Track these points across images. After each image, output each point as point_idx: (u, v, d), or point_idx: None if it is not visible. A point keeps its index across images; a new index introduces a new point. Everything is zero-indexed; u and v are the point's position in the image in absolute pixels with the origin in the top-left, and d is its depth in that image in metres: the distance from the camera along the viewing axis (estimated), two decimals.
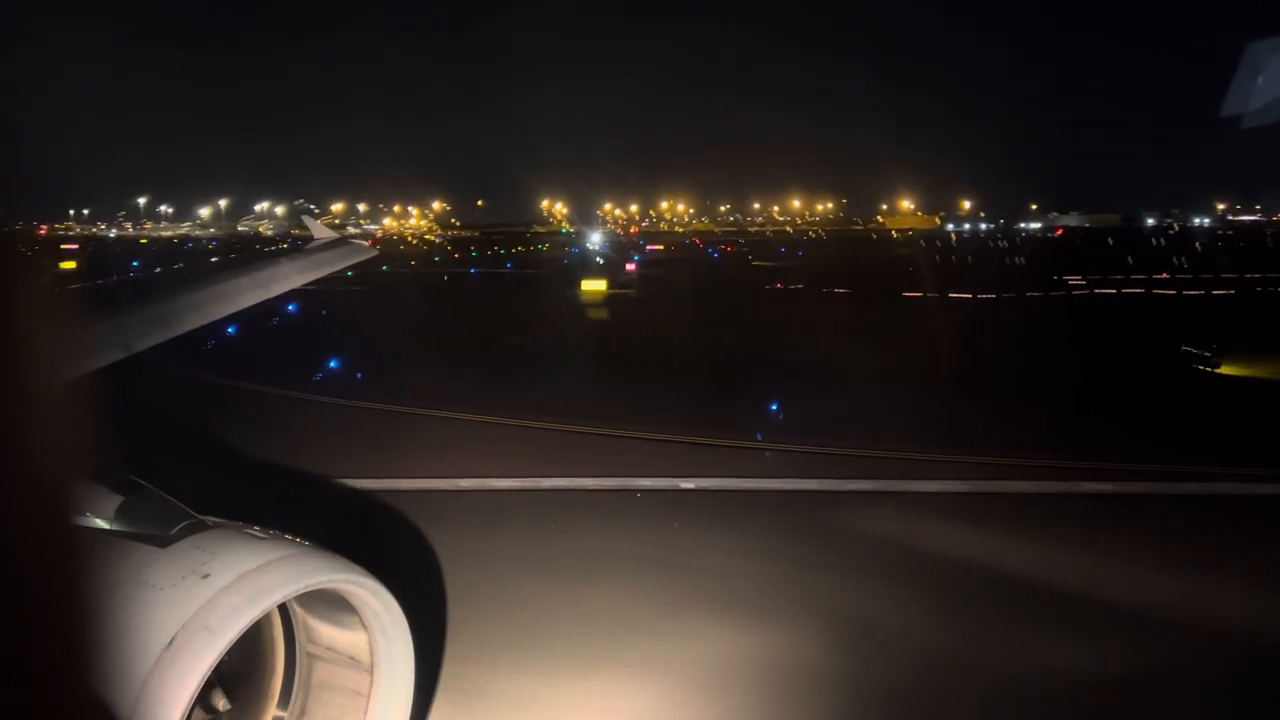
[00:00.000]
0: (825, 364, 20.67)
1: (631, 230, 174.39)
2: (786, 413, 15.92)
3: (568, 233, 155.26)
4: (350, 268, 10.16)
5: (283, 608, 3.53)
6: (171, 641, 2.74)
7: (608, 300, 38.21)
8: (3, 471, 1.32)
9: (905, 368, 19.87)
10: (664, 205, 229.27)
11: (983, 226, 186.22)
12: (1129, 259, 58.92)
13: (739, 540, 9.18)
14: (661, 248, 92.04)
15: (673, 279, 49.22)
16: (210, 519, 3.33)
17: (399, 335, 27.17)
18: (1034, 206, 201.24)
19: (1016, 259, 67.90)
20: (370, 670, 3.51)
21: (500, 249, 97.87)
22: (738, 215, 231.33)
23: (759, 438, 13.88)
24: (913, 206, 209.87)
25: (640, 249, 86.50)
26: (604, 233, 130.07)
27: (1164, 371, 19.61)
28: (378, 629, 3.44)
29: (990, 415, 15.07)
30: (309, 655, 3.68)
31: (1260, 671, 6.67)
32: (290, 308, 31.24)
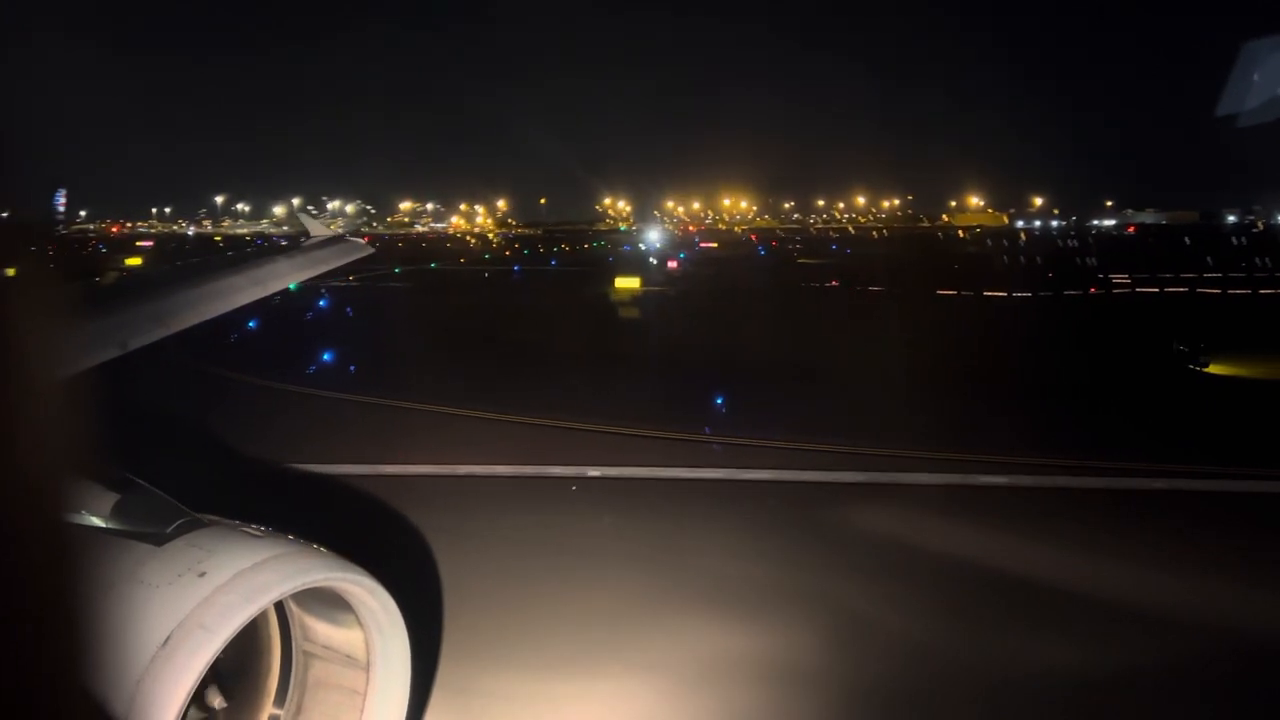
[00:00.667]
0: (804, 359, 20.90)
1: (690, 228, 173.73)
2: (724, 406, 16.27)
3: (626, 231, 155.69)
4: (347, 266, 10.15)
5: (279, 606, 3.53)
6: (167, 639, 2.74)
7: (634, 297, 38.76)
8: None
9: (891, 363, 20.03)
10: (726, 203, 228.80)
11: (1054, 224, 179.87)
12: (1207, 258, 56.21)
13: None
14: (716, 245, 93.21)
15: (709, 276, 50.18)
16: (206, 517, 3.33)
17: (398, 331, 27.95)
18: (1109, 203, 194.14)
19: (1083, 258, 65.51)
20: (367, 668, 3.51)
21: (555, 247, 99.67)
22: (799, 214, 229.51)
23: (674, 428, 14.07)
24: (982, 203, 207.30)
25: (693, 246, 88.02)
26: (662, 230, 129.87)
27: (1149, 370, 19.60)
28: (374, 627, 3.44)
29: (953, 411, 15.12)
30: (305, 653, 3.68)
31: (1222, 666, 6.70)
32: (322, 303, 34.31)
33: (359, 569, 3.29)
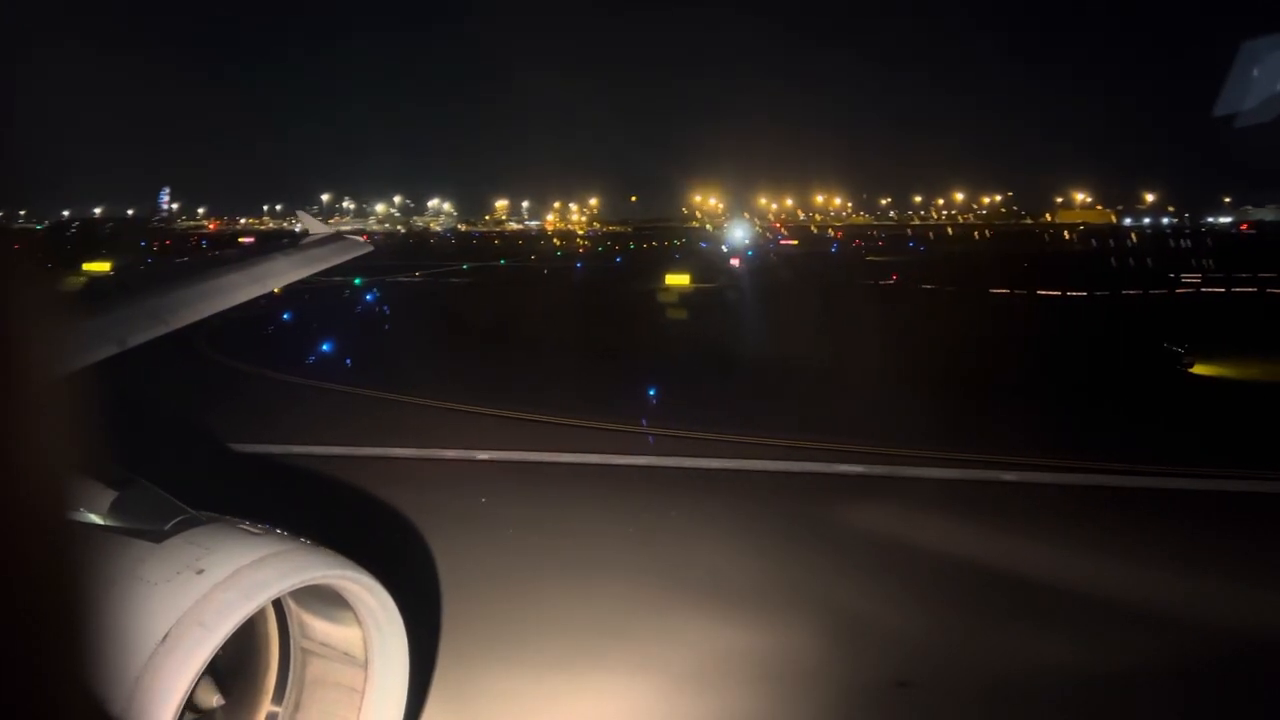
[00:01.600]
0: (803, 356, 20.83)
1: (776, 225, 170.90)
2: (666, 400, 16.47)
3: (711, 228, 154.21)
4: (345, 264, 10.13)
5: (277, 603, 3.54)
6: (166, 637, 2.74)
7: (677, 292, 39.16)
8: None
9: (900, 362, 19.88)
10: (819, 199, 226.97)
11: (1165, 221, 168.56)
12: None
13: None
14: (796, 242, 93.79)
15: (763, 273, 51.04)
16: (204, 514, 3.33)
17: (419, 327, 28.96)
18: (1226, 199, 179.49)
19: (1197, 258, 61.25)
20: (365, 666, 3.51)
21: (641, 244, 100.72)
22: (896, 211, 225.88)
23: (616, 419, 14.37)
24: (1091, 199, 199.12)
25: (772, 244, 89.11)
26: (747, 228, 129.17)
27: (1132, 369, 19.58)
28: (373, 625, 3.45)
29: (920, 410, 14.92)
30: (304, 651, 3.68)
31: (1184, 662, 6.69)
32: (369, 297, 37.22)
33: (358, 567, 3.30)
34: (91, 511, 3.47)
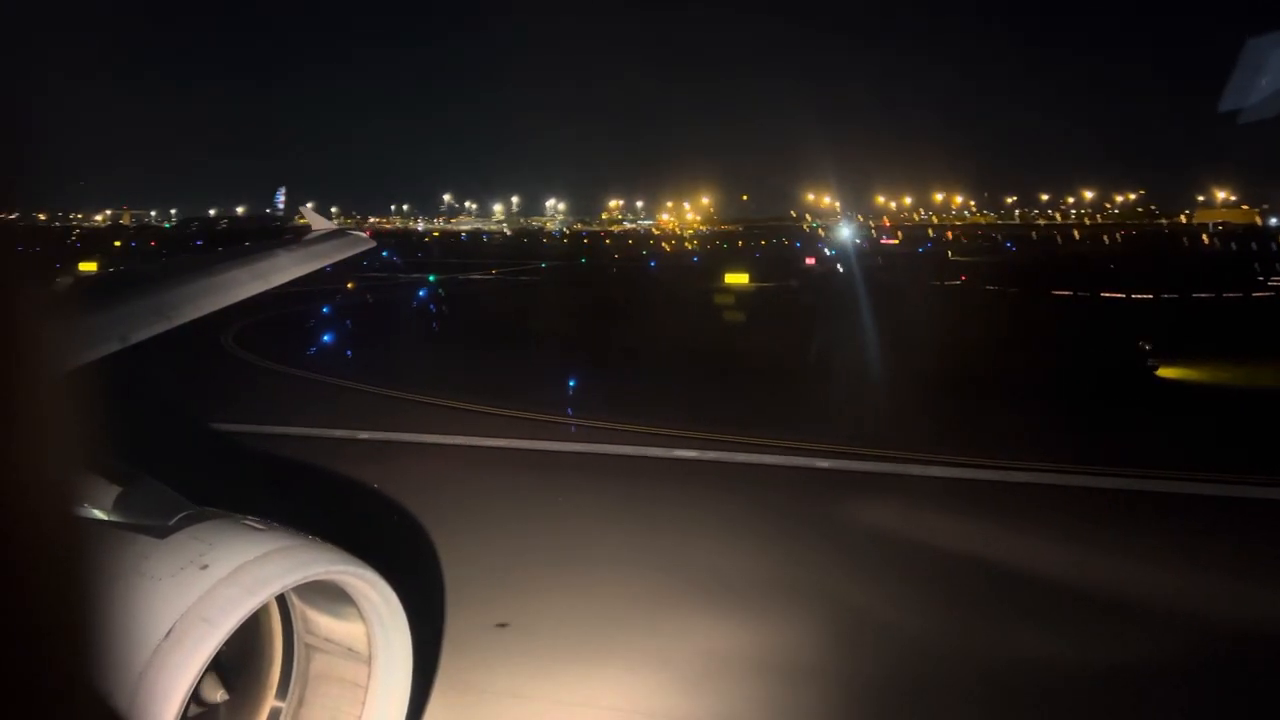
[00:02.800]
0: (760, 352, 21.15)
1: (885, 223, 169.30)
2: (571, 386, 17.40)
3: (815, 226, 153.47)
4: (348, 259, 10.12)
5: (281, 598, 3.54)
6: (169, 632, 2.75)
7: (730, 290, 39.94)
8: (1, 463, 1.32)
9: (904, 361, 20.03)
10: (937, 198, 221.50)
11: None
12: None
13: None
14: (897, 241, 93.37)
15: (832, 273, 51.59)
16: (209, 509, 3.34)
17: (455, 323, 30.43)
18: None
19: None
20: (368, 661, 3.52)
21: (723, 244, 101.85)
22: (1021, 210, 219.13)
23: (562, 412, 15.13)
24: (1235, 197, 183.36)
25: (872, 242, 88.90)
26: (854, 226, 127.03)
27: (1103, 371, 19.59)
28: (376, 620, 3.45)
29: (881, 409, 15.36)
30: (307, 646, 3.69)
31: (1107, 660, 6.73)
32: (422, 293, 40.15)
33: (361, 562, 3.30)
34: (96, 507, 3.47)
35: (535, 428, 13.70)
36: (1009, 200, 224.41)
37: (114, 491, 3.48)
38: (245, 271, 7.36)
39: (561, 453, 12.65)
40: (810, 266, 56.35)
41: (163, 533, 3.10)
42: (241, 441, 12.98)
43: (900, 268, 56.39)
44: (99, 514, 3.46)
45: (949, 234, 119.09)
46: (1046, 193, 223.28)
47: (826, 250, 73.33)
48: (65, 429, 1.49)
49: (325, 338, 24.93)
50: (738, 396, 16.67)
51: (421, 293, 40.79)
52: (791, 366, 19.95)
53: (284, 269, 8.10)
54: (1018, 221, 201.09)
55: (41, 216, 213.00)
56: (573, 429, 13.95)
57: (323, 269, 9.27)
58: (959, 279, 45.74)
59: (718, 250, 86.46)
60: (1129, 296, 36.12)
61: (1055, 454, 11.90)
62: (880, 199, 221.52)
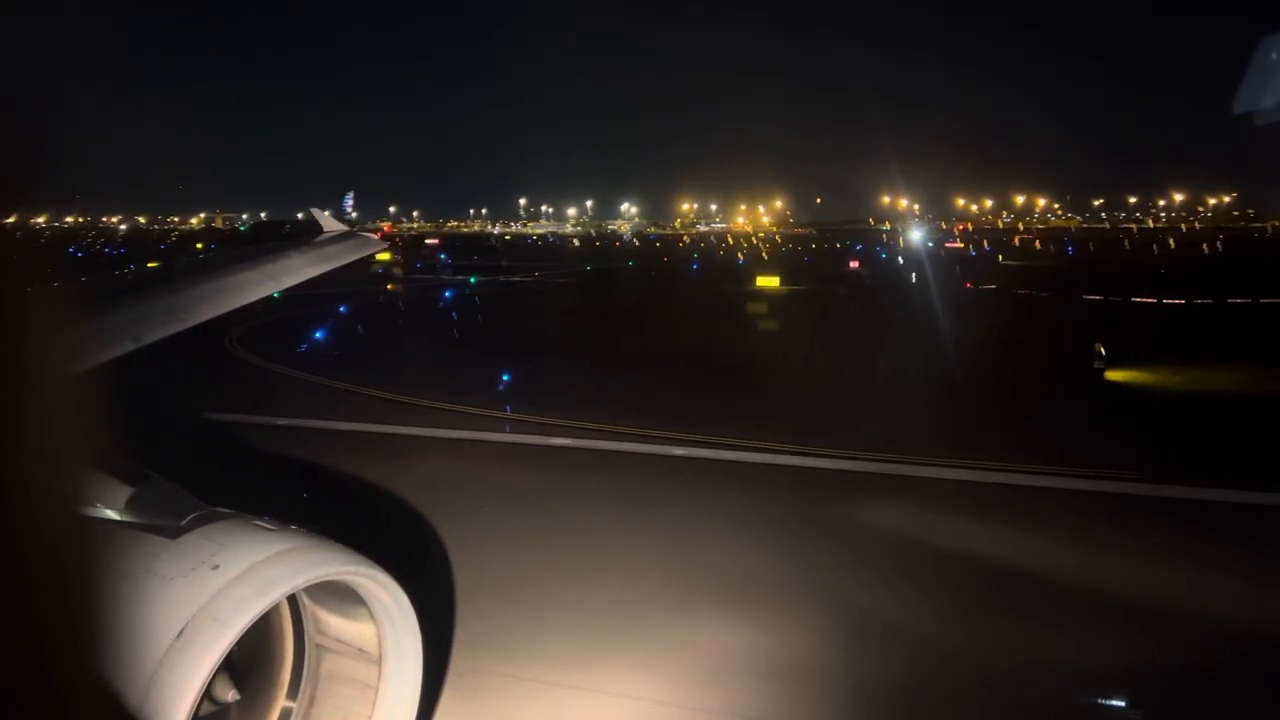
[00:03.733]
0: (769, 361, 21.24)
1: (961, 226, 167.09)
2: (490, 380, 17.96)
3: (886, 230, 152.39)
4: (358, 261, 10.13)
5: (292, 599, 3.54)
6: (181, 632, 2.75)
7: (758, 293, 40.56)
8: (15, 463, 1.32)
9: (897, 364, 20.53)
10: (1018, 200, 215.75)
11: None
12: None
13: None
14: (960, 246, 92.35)
15: (866, 276, 52.19)
16: (220, 510, 3.34)
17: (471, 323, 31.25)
18: None
19: None
20: (379, 662, 3.52)
21: (785, 247, 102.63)
22: (1109, 212, 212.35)
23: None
24: None
25: (938, 246, 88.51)
26: (925, 230, 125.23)
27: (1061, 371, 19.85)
28: (386, 621, 3.45)
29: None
30: (318, 646, 3.69)
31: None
32: (448, 294, 41.72)
33: (371, 563, 3.30)
34: (108, 507, 3.49)
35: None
36: (1096, 203, 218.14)
37: (126, 492, 3.50)
38: (257, 273, 7.38)
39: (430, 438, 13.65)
40: (851, 270, 57.14)
41: (174, 533, 3.11)
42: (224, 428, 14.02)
43: (943, 272, 55.75)
44: (111, 514, 3.47)
45: (1016, 238, 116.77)
46: (1136, 195, 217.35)
47: (881, 253, 74.31)
48: (78, 429, 1.50)
49: (318, 334, 25.72)
50: (641, 386, 17.70)
51: (447, 294, 42.24)
52: (733, 364, 20.72)
53: (296, 270, 8.11)
54: (1103, 225, 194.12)
55: (142, 220, 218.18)
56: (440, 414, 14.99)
57: (338, 268, 9.27)
58: (993, 285, 45.34)
59: (779, 253, 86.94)
60: (1160, 302, 35.81)
61: (931, 446, 12.46)
62: (961, 202, 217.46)
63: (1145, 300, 36.40)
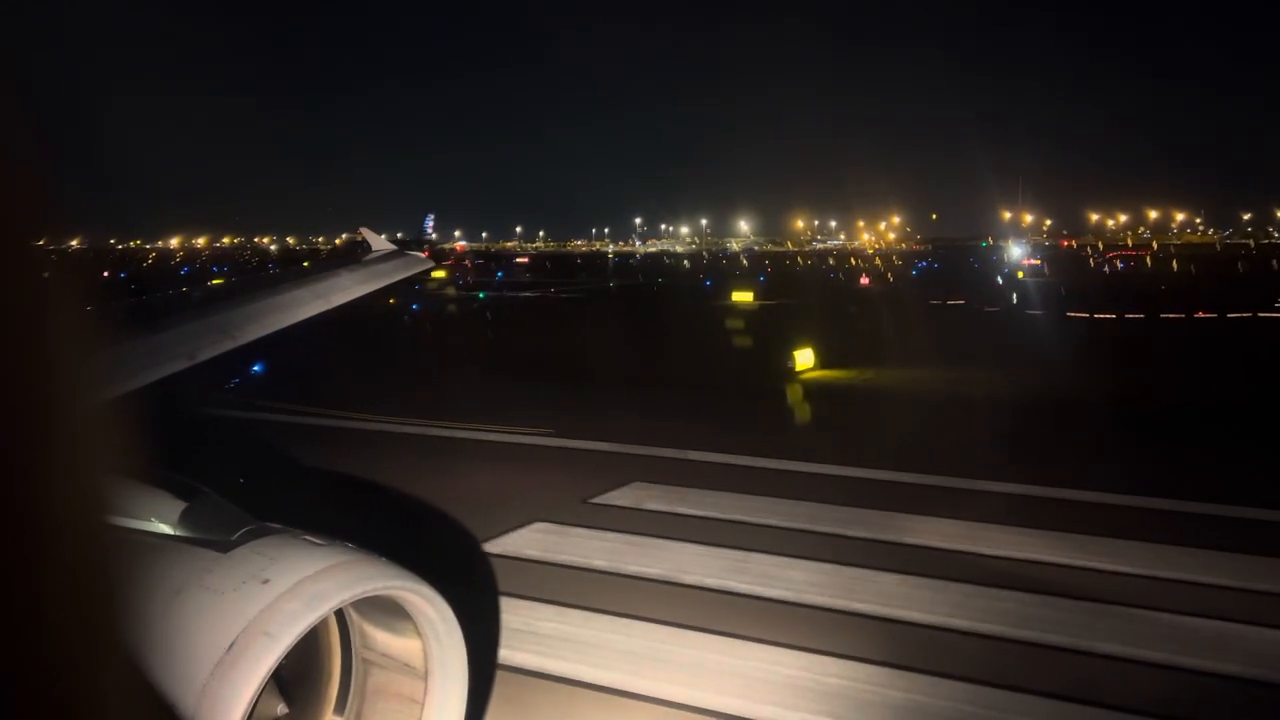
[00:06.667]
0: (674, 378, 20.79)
1: (1062, 244, 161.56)
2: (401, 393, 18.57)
3: (986, 245, 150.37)
4: (407, 279, 10.25)
5: (340, 613, 3.57)
6: (232, 645, 2.78)
7: (734, 309, 40.81)
8: (69, 479, 1.35)
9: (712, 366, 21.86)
10: (1151, 215, 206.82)
11: None
12: None
13: None
14: (1037, 263, 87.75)
15: (869, 290, 52.41)
16: (269, 524, 3.38)
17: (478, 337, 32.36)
18: None
19: None
20: (425, 677, 3.52)
21: (893, 261, 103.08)
22: (1256, 227, 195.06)
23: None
24: None
25: (1017, 263, 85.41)
26: (1027, 246, 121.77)
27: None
28: (432, 636, 3.46)
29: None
30: (364, 661, 3.71)
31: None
32: (481, 295, 44.39)
33: (418, 578, 3.31)
34: (162, 522, 3.55)
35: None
36: (1245, 217, 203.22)
37: (179, 506, 3.56)
38: (307, 291, 7.49)
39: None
40: (860, 285, 56.73)
41: (225, 547, 3.15)
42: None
43: (974, 288, 52.99)
44: (165, 528, 3.53)
45: (1109, 254, 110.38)
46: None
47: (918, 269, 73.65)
48: (131, 446, 1.52)
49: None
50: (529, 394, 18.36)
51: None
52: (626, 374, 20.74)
53: (346, 289, 8.22)
54: (1250, 243, 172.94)
55: (291, 240, 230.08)
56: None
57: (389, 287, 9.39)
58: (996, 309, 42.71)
59: (843, 270, 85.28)
60: (1188, 317, 33.99)
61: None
62: (1094, 216, 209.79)
63: (1173, 316, 34.25)
